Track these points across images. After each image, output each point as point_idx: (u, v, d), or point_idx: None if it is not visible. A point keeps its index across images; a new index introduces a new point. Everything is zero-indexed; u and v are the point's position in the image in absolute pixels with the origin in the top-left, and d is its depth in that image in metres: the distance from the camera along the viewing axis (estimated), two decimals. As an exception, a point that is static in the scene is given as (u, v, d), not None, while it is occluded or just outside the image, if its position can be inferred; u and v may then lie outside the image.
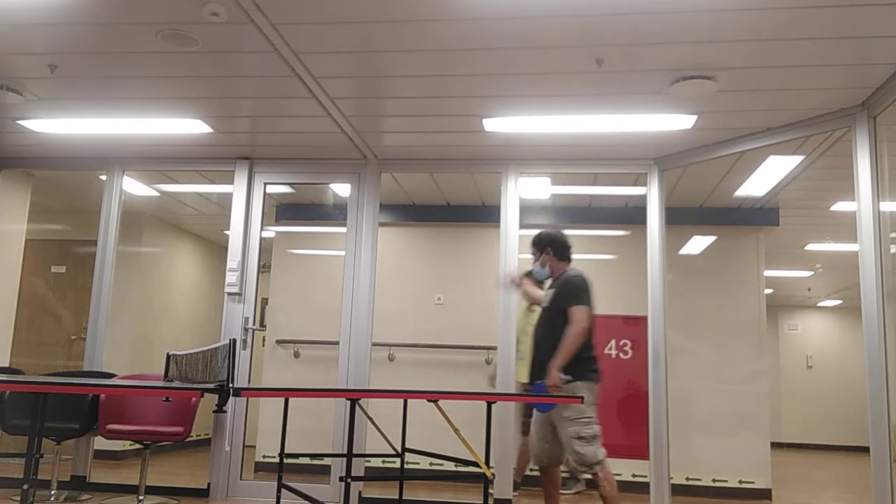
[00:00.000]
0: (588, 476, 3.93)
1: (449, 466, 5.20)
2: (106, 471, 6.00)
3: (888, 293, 3.91)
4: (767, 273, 7.63)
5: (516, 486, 5.36)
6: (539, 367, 4.04)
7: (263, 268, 5.74)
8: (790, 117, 4.35)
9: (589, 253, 6.71)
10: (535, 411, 4.13)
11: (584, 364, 3.93)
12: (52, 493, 4.85)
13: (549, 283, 4.26)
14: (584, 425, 3.87)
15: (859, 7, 3.09)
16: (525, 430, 5.28)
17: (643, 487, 5.43)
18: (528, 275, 4.41)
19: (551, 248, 4.17)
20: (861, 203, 4.01)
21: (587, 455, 3.83)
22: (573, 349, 3.88)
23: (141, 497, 4.70)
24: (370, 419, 4.57)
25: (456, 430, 3.90)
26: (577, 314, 3.91)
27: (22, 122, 4.93)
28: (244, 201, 5.39)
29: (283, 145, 5.24)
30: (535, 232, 4.28)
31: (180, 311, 8.19)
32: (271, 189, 5.76)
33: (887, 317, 3.88)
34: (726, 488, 5.87)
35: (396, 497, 4.68)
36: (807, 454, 11.45)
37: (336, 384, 5.36)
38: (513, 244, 5.16)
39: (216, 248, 8.72)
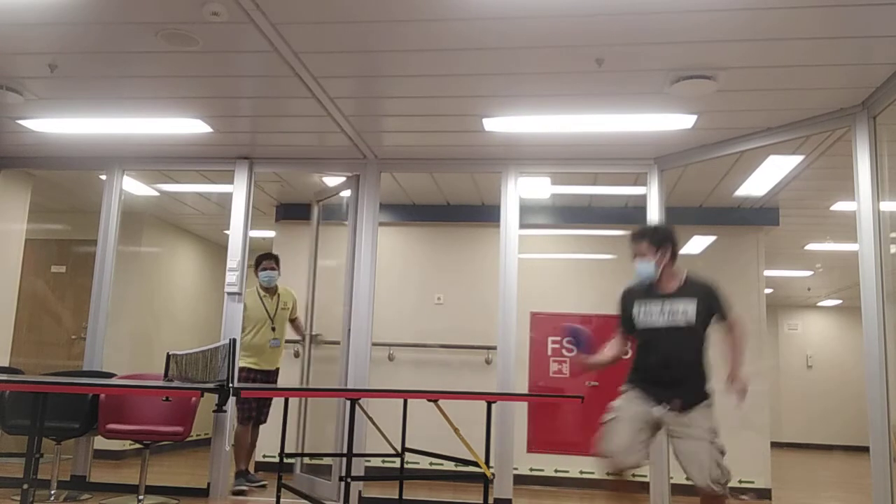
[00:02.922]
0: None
1: (449, 466, 5.20)
2: (106, 470, 6.00)
3: (888, 293, 3.91)
4: (767, 273, 7.61)
5: (249, 478, 5.43)
6: (686, 387, 3.53)
7: (263, 268, 5.74)
8: (790, 117, 4.35)
9: (589, 253, 6.71)
10: (621, 412, 3.61)
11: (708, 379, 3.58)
12: (52, 492, 4.85)
13: (643, 286, 3.73)
14: (719, 438, 3.48)
15: (859, 7, 3.09)
16: (243, 420, 5.38)
17: (643, 487, 5.43)
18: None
19: (671, 246, 3.64)
20: (861, 203, 4.01)
21: (728, 470, 3.43)
22: (745, 349, 3.57)
23: (141, 497, 4.70)
24: (370, 419, 4.57)
25: (456, 430, 3.90)
26: (738, 317, 3.58)
27: (22, 122, 4.93)
28: (244, 201, 5.39)
29: (283, 145, 5.24)
30: (635, 229, 3.74)
31: (180, 311, 8.19)
32: (271, 189, 5.76)
33: (887, 317, 3.88)
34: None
35: (396, 497, 4.68)
36: (807, 454, 11.45)
37: (336, 384, 5.36)
38: (513, 244, 5.15)
39: (216, 248, 8.72)
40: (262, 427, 5.60)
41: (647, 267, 3.63)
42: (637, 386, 3.64)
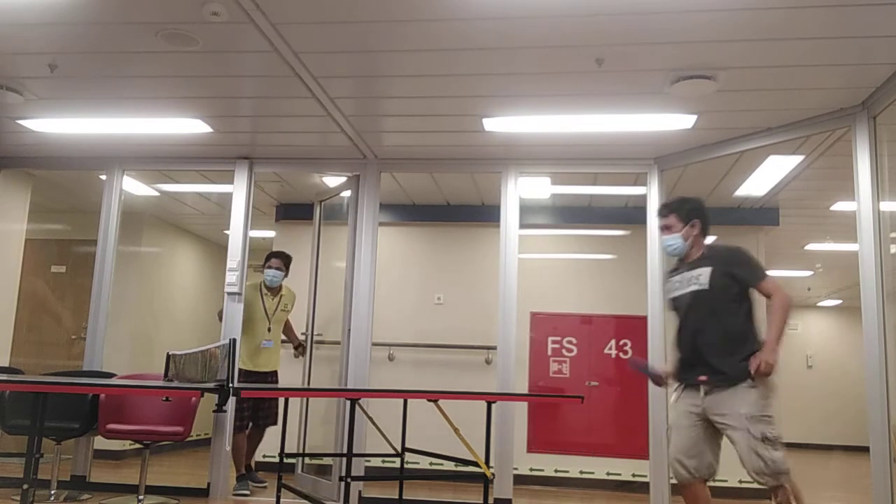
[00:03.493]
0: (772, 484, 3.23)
1: (449, 466, 5.20)
2: (106, 470, 6.00)
3: (888, 293, 3.91)
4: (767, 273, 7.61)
5: (251, 477, 5.41)
6: (709, 360, 3.33)
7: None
8: (790, 117, 4.35)
9: (589, 253, 6.71)
10: (674, 417, 3.45)
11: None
12: (52, 492, 4.85)
13: (674, 260, 3.60)
14: (769, 424, 3.25)
15: (859, 7, 3.09)
16: (236, 427, 5.23)
17: (643, 487, 5.44)
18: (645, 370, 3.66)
19: (700, 220, 3.47)
20: (861, 203, 4.01)
21: (777, 461, 3.20)
22: (786, 322, 3.30)
23: (141, 497, 4.70)
24: (370, 419, 4.57)
25: (456, 430, 3.90)
26: (774, 283, 3.30)
27: (22, 122, 4.93)
28: (244, 201, 5.39)
29: (283, 145, 5.24)
30: (669, 201, 3.58)
31: (180, 311, 8.19)
32: (271, 189, 5.75)
33: (887, 317, 3.88)
34: (726, 488, 5.86)
35: (396, 497, 4.68)
36: (807, 454, 11.45)
37: (336, 384, 5.36)
38: (513, 244, 5.15)
39: (216, 248, 8.72)
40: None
41: (673, 240, 3.48)
42: (679, 381, 3.50)
